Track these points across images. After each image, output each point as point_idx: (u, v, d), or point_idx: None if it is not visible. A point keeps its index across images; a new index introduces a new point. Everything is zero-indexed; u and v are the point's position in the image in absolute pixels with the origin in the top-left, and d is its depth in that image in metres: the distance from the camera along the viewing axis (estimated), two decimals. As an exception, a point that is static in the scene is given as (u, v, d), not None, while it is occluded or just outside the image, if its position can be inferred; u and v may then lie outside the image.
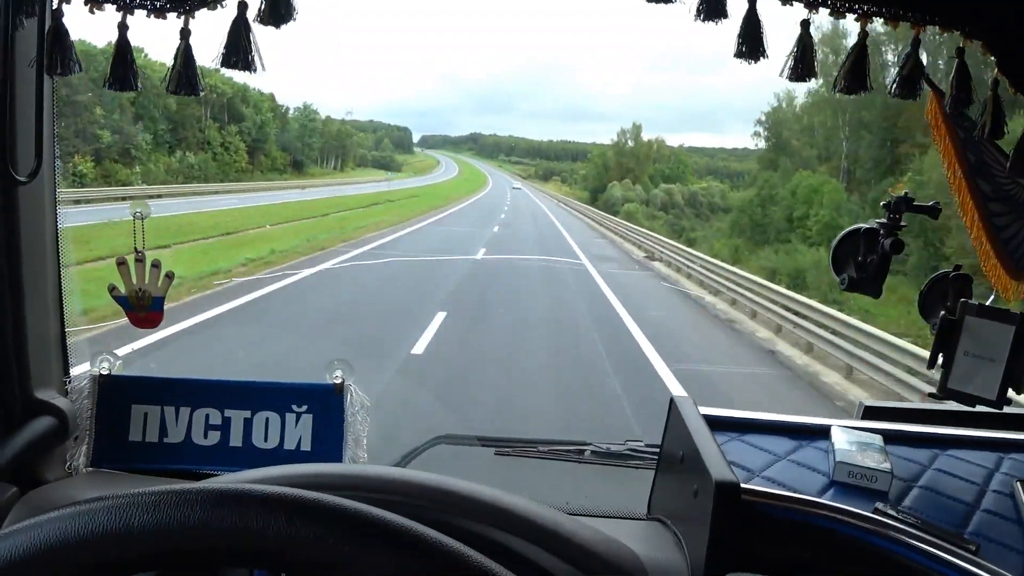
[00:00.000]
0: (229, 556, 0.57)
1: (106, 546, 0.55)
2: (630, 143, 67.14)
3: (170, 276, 1.21)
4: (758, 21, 0.92)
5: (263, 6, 0.94)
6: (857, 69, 0.96)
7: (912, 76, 0.96)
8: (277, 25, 0.95)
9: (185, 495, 0.57)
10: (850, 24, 0.96)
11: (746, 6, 0.92)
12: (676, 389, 6.86)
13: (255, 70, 0.96)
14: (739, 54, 0.92)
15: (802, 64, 0.94)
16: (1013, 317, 1.05)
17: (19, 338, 1.11)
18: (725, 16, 0.91)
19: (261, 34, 0.96)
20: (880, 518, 0.92)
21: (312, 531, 0.56)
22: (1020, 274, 1.09)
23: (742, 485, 0.92)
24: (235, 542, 0.56)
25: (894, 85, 0.97)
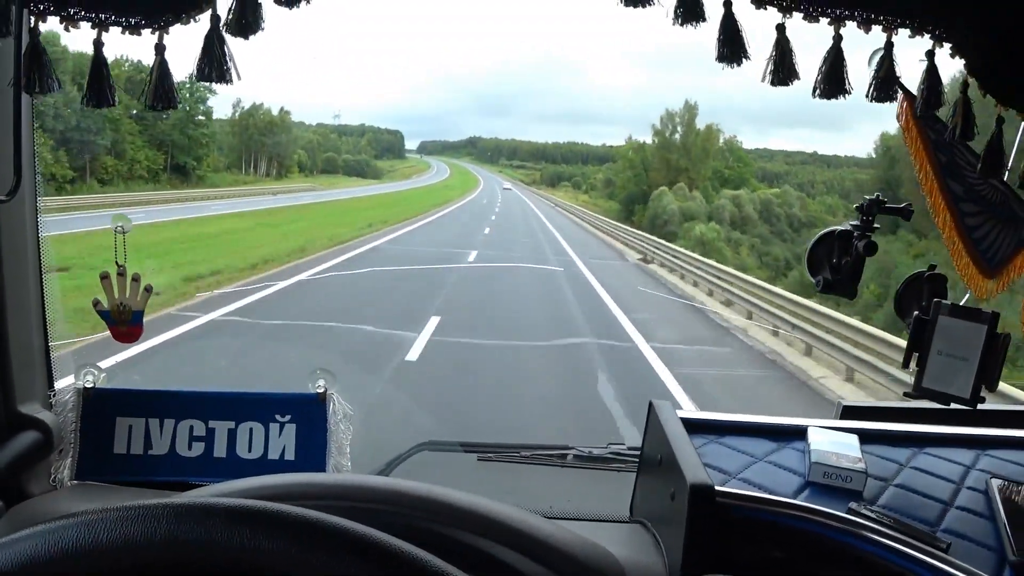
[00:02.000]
0: (197, 569, 0.58)
1: (75, 563, 0.56)
2: (678, 132, 48.29)
3: (148, 290, 1.22)
4: (736, 24, 0.93)
5: (230, 19, 0.95)
6: (834, 72, 0.97)
7: (888, 78, 0.97)
8: (245, 36, 0.96)
9: (151, 510, 0.58)
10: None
11: (723, 10, 0.93)
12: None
13: (230, 81, 0.98)
14: (720, 57, 0.93)
15: (782, 68, 0.95)
16: (985, 316, 1.06)
17: (3, 352, 1.12)
18: (703, 19, 0.92)
19: (251, 39, 0.97)
20: (853, 518, 0.93)
21: (276, 543, 0.57)
22: (992, 273, 1.10)
23: (718, 487, 0.93)
24: (202, 555, 0.57)
25: (871, 88, 0.98)
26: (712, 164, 46.92)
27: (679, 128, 48.28)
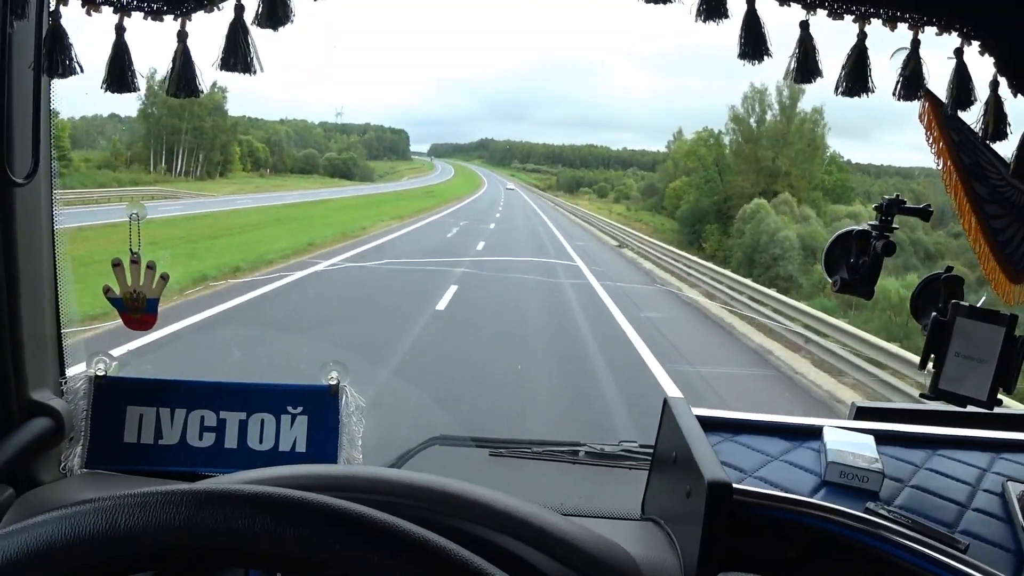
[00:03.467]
0: (217, 556, 0.57)
1: (93, 548, 0.56)
2: (769, 116, 29.18)
3: (164, 278, 1.21)
4: (758, 21, 0.92)
5: (260, 9, 0.94)
6: (858, 70, 0.96)
7: (914, 77, 0.97)
8: (275, 28, 0.95)
9: (170, 496, 0.57)
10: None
11: (745, 7, 0.93)
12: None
13: (255, 72, 0.97)
14: (743, 55, 0.92)
15: (805, 65, 0.95)
16: (1003, 318, 1.05)
17: (15, 339, 1.11)
18: (726, 16, 0.91)
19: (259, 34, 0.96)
20: (871, 518, 0.93)
21: (298, 530, 0.56)
22: (1019, 276, 1.10)
23: (734, 485, 0.93)
24: (222, 542, 0.56)
25: (897, 86, 0.98)
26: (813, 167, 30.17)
27: (769, 111, 29.23)
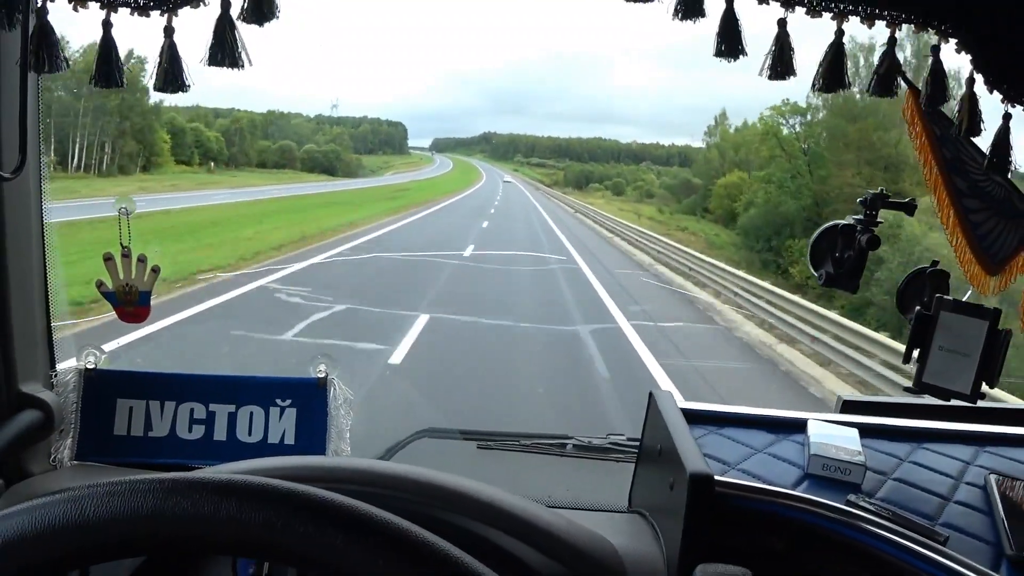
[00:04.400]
0: (188, 544, 0.58)
1: (63, 538, 0.56)
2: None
3: (156, 271, 1.22)
4: (735, 20, 0.93)
5: (246, 4, 0.95)
6: (835, 67, 0.97)
7: (889, 74, 0.98)
8: (260, 23, 0.96)
9: (137, 484, 0.58)
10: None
11: (723, 5, 0.93)
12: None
13: (243, 66, 0.97)
14: (719, 53, 0.93)
15: (780, 63, 0.95)
16: (987, 312, 1.06)
17: (5, 332, 1.12)
18: (702, 15, 0.92)
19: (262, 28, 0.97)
20: (851, 510, 0.93)
21: (263, 515, 0.57)
22: (995, 269, 1.11)
23: (717, 477, 0.94)
24: (189, 529, 0.57)
25: (871, 83, 0.98)
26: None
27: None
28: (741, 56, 0.94)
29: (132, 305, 1.23)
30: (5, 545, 0.56)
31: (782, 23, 0.95)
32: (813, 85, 0.99)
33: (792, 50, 0.95)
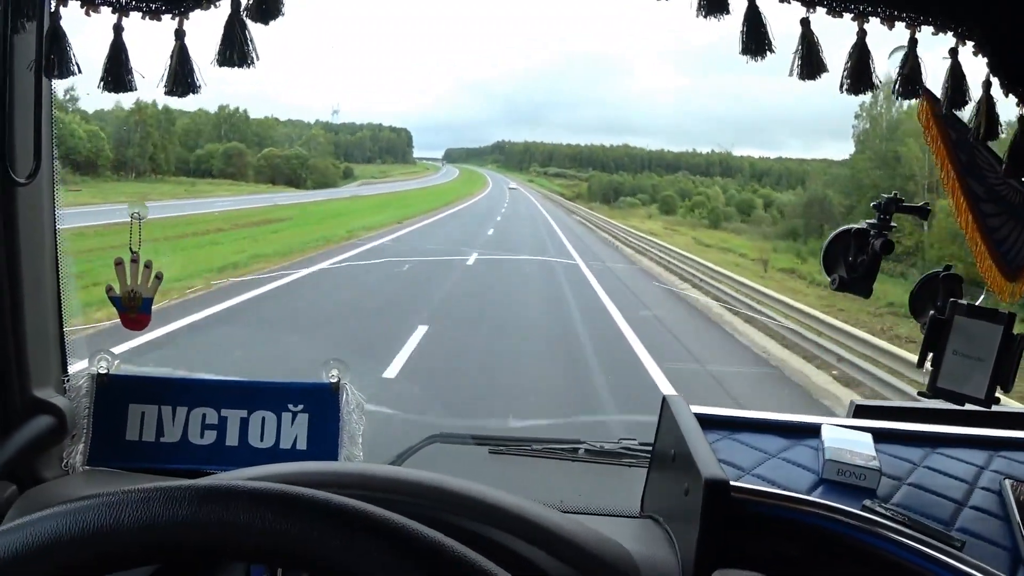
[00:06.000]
0: (219, 551, 0.58)
1: (97, 542, 0.56)
2: None
3: (159, 277, 1.22)
4: (759, 16, 0.93)
5: (251, 3, 0.95)
6: (860, 69, 0.97)
7: (912, 76, 0.97)
8: (265, 22, 0.96)
9: (173, 492, 0.58)
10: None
11: (746, 3, 0.93)
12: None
13: (252, 65, 0.98)
14: (745, 51, 0.93)
15: (809, 62, 0.95)
16: (1001, 317, 1.05)
17: (18, 337, 1.12)
18: (727, 11, 0.92)
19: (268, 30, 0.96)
20: (868, 515, 0.93)
21: (299, 526, 0.57)
22: (1014, 275, 1.10)
23: (732, 483, 0.93)
24: (223, 537, 0.57)
25: (896, 84, 0.98)
26: None
27: None
28: (768, 53, 0.94)
29: (135, 312, 1.23)
30: (42, 546, 0.56)
31: (805, 23, 0.94)
32: (840, 86, 0.98)
33: (820, 48, 0.95)
